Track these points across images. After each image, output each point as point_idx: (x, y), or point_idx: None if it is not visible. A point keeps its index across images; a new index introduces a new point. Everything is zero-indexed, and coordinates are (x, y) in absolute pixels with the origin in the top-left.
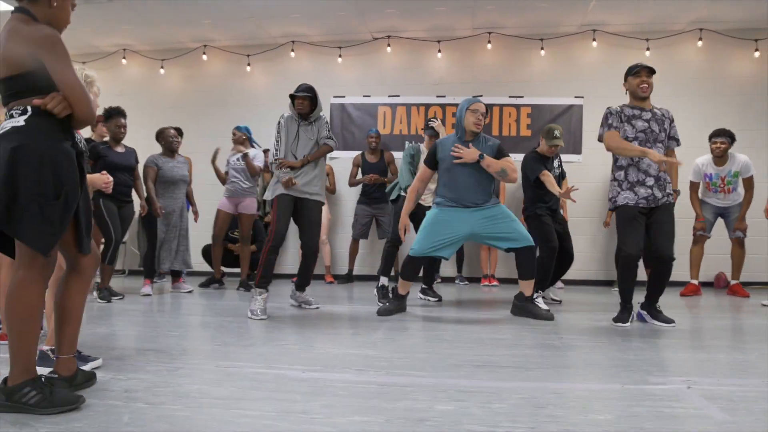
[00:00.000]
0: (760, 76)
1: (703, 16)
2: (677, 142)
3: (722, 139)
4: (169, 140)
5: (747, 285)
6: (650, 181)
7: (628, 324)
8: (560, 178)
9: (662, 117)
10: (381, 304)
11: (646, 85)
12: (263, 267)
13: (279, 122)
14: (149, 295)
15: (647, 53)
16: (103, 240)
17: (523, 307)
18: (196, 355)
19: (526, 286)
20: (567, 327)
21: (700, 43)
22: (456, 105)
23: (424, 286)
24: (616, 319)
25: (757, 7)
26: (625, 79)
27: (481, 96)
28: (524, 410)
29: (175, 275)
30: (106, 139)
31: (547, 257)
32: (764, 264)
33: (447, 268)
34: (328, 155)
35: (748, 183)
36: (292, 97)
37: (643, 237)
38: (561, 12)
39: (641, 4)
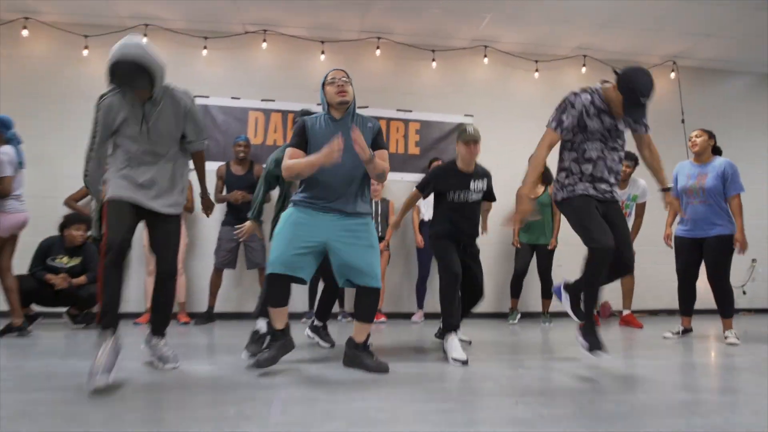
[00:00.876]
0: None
1: (586, 43)
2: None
3: (627, 163)
4: None
5: (652, 314)
6: (612, 179)
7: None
8: (485, 198)
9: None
10: (249, 352)
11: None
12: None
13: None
14: None
15: (536, 75)
16: None
17: (354, 357)
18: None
19: (360, 331)
20: (464, 385)
21: (584, 69)
22: None
23: (316, 322)
24: (591, 347)
25: (635, 40)
26: (620, 89)
27: (367, 107)
28: None
29: None
30: None
31: (446, 286)
32: (650, 291)
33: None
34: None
35: (641, 208)
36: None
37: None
38: (455, 22)
39: (532, 22)
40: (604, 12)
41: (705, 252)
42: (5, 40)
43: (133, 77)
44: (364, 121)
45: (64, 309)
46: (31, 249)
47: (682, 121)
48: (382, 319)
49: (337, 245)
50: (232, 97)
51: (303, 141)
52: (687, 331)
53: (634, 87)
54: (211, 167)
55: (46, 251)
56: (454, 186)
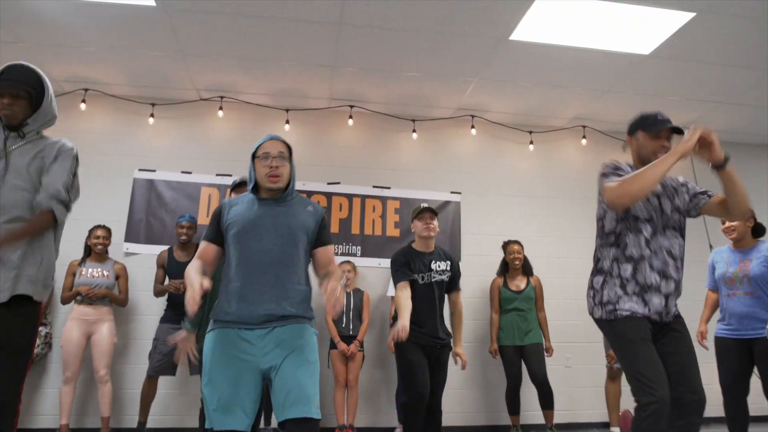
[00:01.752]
0: None
1: (584, 113)
2: (706, 194)
3: None
4: None
5: None
6: (669, 287)
7: None
8: (448, 288)
9: (673, 189)
10: None
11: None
12: None
13: None
14: None
15: (531, 147)
16: None
17: None
18: None
19: None
20: None
21: (584, 141)
22: (305, 192)
23: None
24: None
25: (642, 108)
26: (631, 133)
27: (338, 183)
28: None
29: None
30: None
31: (407, 405)
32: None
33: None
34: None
35: None
36: None
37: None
38: (436, 89)
39: (525, 89)
40: (603, 78)
41: (758, 356)
42: None
43: None
44: (303, 204)
45: None
46: None
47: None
48: None
49: (271, 370)
50: (183, 171)
51: (218, 233)
52: None
53: (642, 115)
54: (152, 252)
55: None
56: (416, 270)
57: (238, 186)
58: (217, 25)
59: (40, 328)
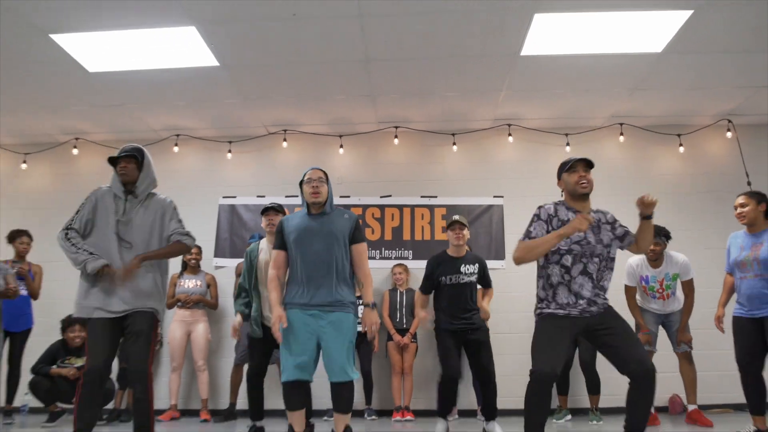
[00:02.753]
0: (686, 172)
1: (622, 110)
2: (630, 234)
3: (656, 240)
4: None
5: (703, 409)
6: (581, 304)
7: None
8: (474, 286)
9: (599, 223)
10: None
11: (585, 182)
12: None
13: (88, 197)
14: None
15: (568, 149)
16: None
17: None
18: None
19: (338, 422)
20: None
21: (621, 138)
22: (361, 206)
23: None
24: None
25: (676, 102)
26: (559, 177)
27: (390, 195)
28: None
29: None
30: None
31: (441, 383)
32: (718, 383)
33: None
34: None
35: (688, 287)
36: (113, 161)
37: (564, 356)
38: (470, 104)
39: (556, 96)
40: (636, 73)
41: None
42: (59, 159)
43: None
44: (341, 214)
45: None
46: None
47: (748, 184)
48: (410, 416)
49: (325, 339)
50: (258, 195)
51: (282, 242)
52: None
53: (561, 163)
54: (235, 264)
55: (54, 355)
56: (445, 272)
57: (266, 210)
58: (272, 74)
59: None
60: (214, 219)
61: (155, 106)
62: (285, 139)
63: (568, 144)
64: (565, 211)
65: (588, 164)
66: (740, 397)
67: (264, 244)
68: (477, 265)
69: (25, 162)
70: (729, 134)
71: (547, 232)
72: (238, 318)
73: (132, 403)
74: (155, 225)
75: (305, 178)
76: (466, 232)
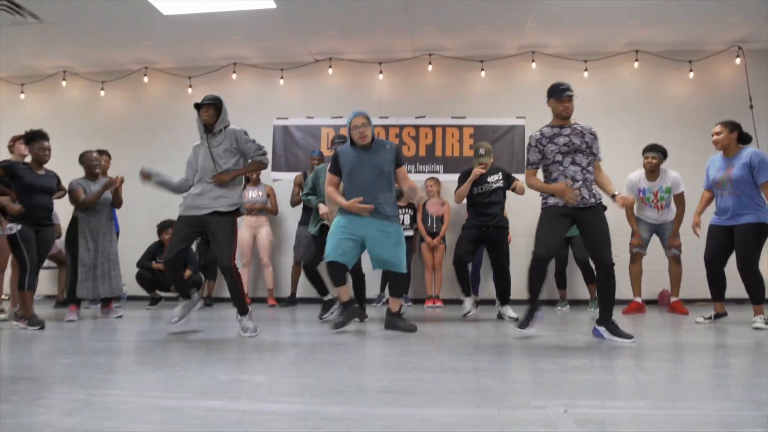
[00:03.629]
0: (695, 96)
1: (638, 38)
2: (596, 157)
3: (653, 154)
4: (89, 163)
5: (689, 302)
6: (577, 184)
7: (525, 330)
8: (502, 192)
9: (582, 131)
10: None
11: (569, 111)
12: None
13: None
14: (73, 321)
15: (585, 74)
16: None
17: (390, 322)
18: (69, 384)
19: (394, 303)
20: (483, 347)
21: (636, 64)
22: (398, 126)
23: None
24: (518, 324)
25: (689, 30)
26: (549, 98)
27: (424, 116)
28: None
29: (105, 302)
30: (27, 160)
31: (454, 261)
32: (702, 281)
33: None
34: (271, 177)
35: (679, 199)
36: (197, 107)
37: (558, 242)
38: (499, 34)
39: (577, 26)
40: (652, 3)
41: (735, 240)
42: (131, 85)
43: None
44: (383, 145)
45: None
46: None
47: (751, 107)
48: (439, 304)
49: (372, 241)
50: (307, 117)
51: (337, 168)
52: (720, 315)
53: (550, 87)
54: (291, 177)
55: (153, 253)
56: (476, 183)
57: (337, 142)
58: (321, 10)
59: None
60: (269, 138)
61: (217, 41)
62: (330, 67)
63: (586, 70)
64: (549, 129)
65: (571, 97)
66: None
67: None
68: (500, 173)
69: (102, 89)
70: (738, 60)
71: (540, 153)
72: (323, 207)
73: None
74: (231, 148)
75: (351, 125)
76: (491, 160)
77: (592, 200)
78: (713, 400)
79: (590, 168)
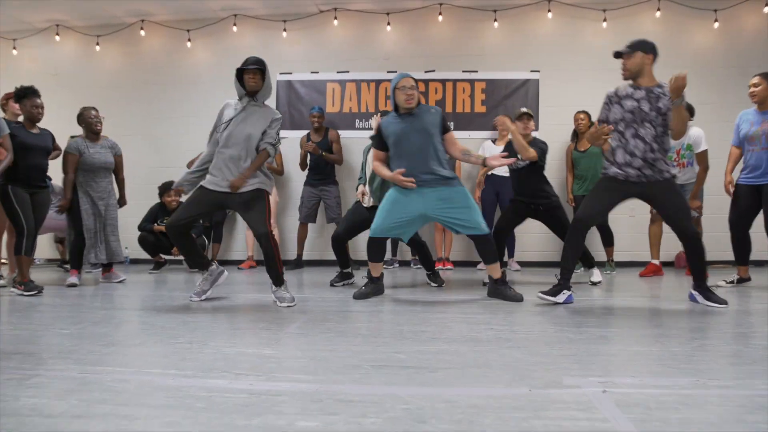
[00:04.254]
0: (719, 48)
1: None
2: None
3: None
4: (89, 121)
5: (709, 264)
6: (636, 162)
7: (553, 299)
8: (539, 168)
9: (658, 95)
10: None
11: (624, 71)
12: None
13: (222, 110)
14: (75, 285)
15: (604, 25)
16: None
17: (494, 290)
18: (65, 359)
19: (492, 270)
20: (501, 314)
21: (658, 13)
22: None
23: (427, 272)
24: (543, 291)
25: None
26: (654, 55)
27: (434, 70)
28: (400, 426)
29: (106, 266)
30: (21, 119)
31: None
32: (724, 242)
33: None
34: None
35: (701, 158)
36: (240, 72)
37: (602, 213)
38: None
39: None
40: None
41: (764, 200)
42: (127, 40)
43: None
44: (428, 109)
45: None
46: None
47: None
48: (450, 266)
49: (437, 213)
50: (311, 72)
51: (381, 141)
52: (743, 280)
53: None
54: (296, 135)
55: (154, 215)
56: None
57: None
58: None
59: None
60: (273, 94)
61: None
62: (336, 17)
63: (605, 20)
64: (624, 89)
65: (617, 55)
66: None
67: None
68: (540, 150)
69: (98, 44)
70: (766, 9)
71: (609, 112)
72: (361, 188)
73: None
74: (263, 125)
75: (398, 85)
76: (532, 123)
77: (658, 176)
78: (760, 376)
79: (659, 142)
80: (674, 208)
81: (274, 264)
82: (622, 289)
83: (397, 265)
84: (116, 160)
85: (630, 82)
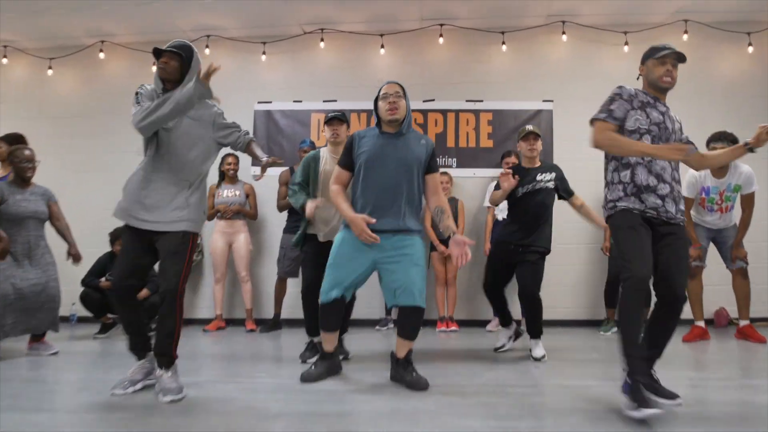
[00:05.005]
0: (755, 74)
1: (688, 5)
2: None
3: (722, 144)
4: (20, 166)
5: (756, 321)
6: (664, 189)
7: (653, 410)
8: (551, 195)
9: (674, 119)
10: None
11: (670, 78)
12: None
13: (138, 92)
14: None
15: (625, 48)
16: None
17: (396, 373)
18: None
19: (401, 347)
20: (525, 406)
21: (685, 36)
22: None
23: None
24: (635, 402)
25: None
26: (643, 62)
27: (433, 100)
28: None
29: (35, 336)
30: None
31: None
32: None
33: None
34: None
35: (748, 200)
36: (157, 54)
37: (651, 255)
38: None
39: None
40: None
41: None
42: (84, 63)
43: None
44: (417, 138)
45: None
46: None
47: None
48: (454, 327)
49: (384, 265)
50: (294, 101)
51: (350, 160)
52: None
53: (651, 47)
54: (274, 173)
55: (102, 267)
56: (522, 183)
57: (330, 120)
58: None
59: None
60: (249, 126)
61: (185, 3)
62: (322, 39)
63: (626, 44)
64: (644, 95)
65: (679, 58)
66: None
67: (326, 154)
68: (554, 173)
69: (50, 68)
70: None
71: (627, 110)
72: (310, 204)
73: (156, 322)
74: (201, 131)
75: (380, 93)
76: (539, 143)
77: (679, 216)
78: None
79: (679, 176)
80: (677, 259)
81: (170, 336)
82: (681, 364)
83: (392, 325)
84: (51, 209)
85: (644, 90)
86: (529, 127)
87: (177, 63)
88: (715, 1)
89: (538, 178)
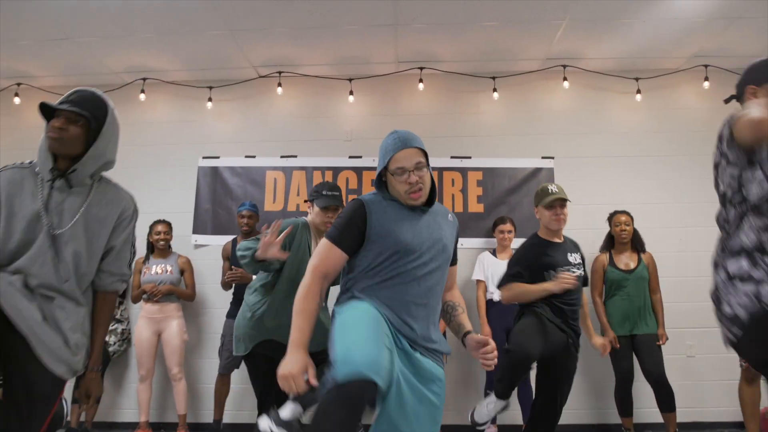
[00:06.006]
0: None
1: (710, 47)
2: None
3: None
4: None
5: None
6: None
7: None
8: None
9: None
10: None
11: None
12: None
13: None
14: None
15: (638, 97)
16: None
17: None
18: None
19: None
20: None
21: (706, 84)
22: (376, 168)
23: None
24: None
25: None
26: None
27: None
28: None
29: None
30: None
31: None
32: None
33: None
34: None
35: None
36: (46, 112)
37: None
38: (517, 39)
39: (625, 28)
40: (727, 3)
41: None
42: None
43: None
44: (443, 213)
45: None
46: None
47: None
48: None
49: (398, 397)
50: (246, 156)
51: (357, 240)
52: None
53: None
54: (219, 242)
55: None
56: (556, 261)
57: (326, 208)
58: None
59: (117, 326)
60: (191, 185)
61: (116, 41)
62: (280, 84)
63: (638, 92)
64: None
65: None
66: None
67: (312, 232)
68: (579, 254)
69: None
70: None
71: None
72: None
73: None
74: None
75: (393, 167)
76: (566, 211)
77: None
78: None
79: None
80: None
81: None
82: None
83: None
84: None
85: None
86: (553, 188)
87: (80, 130)
88: (742, 44)
89: (570, 259)
